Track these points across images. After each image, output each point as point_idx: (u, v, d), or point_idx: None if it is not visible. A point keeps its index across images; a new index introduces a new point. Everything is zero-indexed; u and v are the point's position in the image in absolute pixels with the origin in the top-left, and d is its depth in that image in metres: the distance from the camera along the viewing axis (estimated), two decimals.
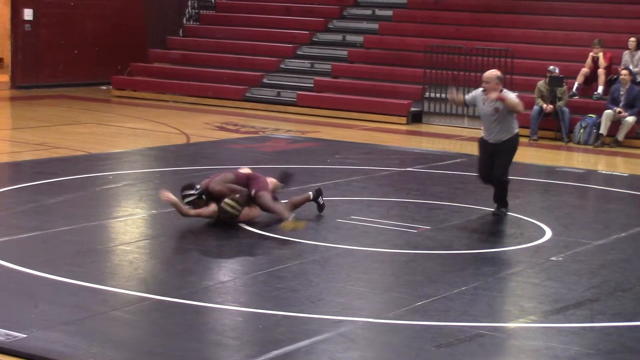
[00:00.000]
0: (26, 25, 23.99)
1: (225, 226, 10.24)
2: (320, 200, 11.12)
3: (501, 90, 11.09)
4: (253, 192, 10.38)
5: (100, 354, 6.60)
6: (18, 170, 13.67)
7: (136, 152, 15.59)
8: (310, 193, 11.11)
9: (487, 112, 11.14)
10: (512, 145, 11.21)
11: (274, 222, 10.54)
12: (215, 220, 10.29)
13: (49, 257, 8.97)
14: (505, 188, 11.29)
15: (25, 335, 6.81)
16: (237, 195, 10.21)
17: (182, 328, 7.22)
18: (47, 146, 15.48)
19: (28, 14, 23.98)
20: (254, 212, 10.50)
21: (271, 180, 10.82)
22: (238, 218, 10.32)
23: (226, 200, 10.16)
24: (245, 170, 10.74)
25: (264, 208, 10.43)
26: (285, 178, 11.22)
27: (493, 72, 11.24)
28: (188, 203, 10.28)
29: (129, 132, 18.02)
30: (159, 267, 9.12)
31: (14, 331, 6.85)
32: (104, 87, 24.35)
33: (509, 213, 11.58)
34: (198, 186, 10.31)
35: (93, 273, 8.71)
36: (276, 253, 9.52)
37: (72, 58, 24.75)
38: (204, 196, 10.29)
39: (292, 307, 7.72)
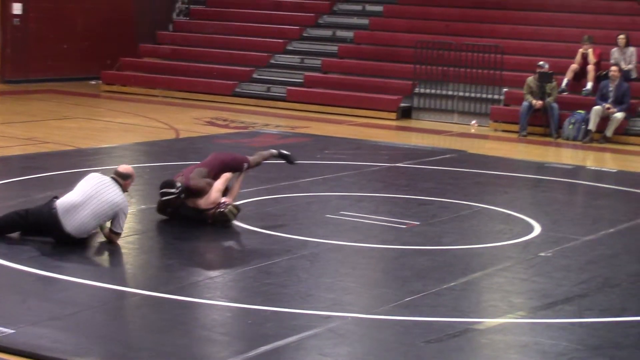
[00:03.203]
0: (15, 19, 23.91)
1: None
2: (285, 153, 11.29)
3: None
4: (245, 167, 10.63)
5: (88, 350, 6.59)
6: (7, 164, 13.61)
7: (125, 147, 15.56)
8: (274, 151, 11.30)
9: None
10: None
11: (264, 217, 10.55)
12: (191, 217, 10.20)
13: (37, 252, 8.94)
14: None
15: (13, 331, 6.79)
16: (232, 205, 10.17)
17: (171, 323, 7.22)
18: (36, 141, 15.43)
19: (17, 8, 23.89)
20: (233, 192, 10.51)
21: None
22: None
23: (229, 208, 10.07)
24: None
25: (259, 163, 10.96)
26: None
27: None
28: (165, 202, 10.17)
29: (118, 127, 17.99)
30: (148, 262, 9.11)
31: (1, 327, 6.82)
32: (94, 82, 24.28)
33: (498, 208, 11.61)
34: (179, 184, 10.09)
35: (82, 268, 8.70)
36: (265, 248, 9.52)
37: (62, 52, 24.68)
38: (182, 195, 10.17)
39: (281, 303, 7.72)
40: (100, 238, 9.31)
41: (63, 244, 9.03)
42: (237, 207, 10.18)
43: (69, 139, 15.79)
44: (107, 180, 9.24)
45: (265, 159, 11.18)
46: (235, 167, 10.58)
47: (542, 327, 7.47)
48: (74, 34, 24.89)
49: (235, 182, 10.55)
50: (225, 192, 10.39)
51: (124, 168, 9.46)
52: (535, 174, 14.63)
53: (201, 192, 10.18)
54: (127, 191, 9.44)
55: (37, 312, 7.30)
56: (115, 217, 9.16)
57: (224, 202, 10.11)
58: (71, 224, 9.01)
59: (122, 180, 9.32)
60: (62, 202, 9.10)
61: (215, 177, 10.35)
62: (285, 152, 11.28)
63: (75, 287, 8.00)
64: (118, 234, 9.21)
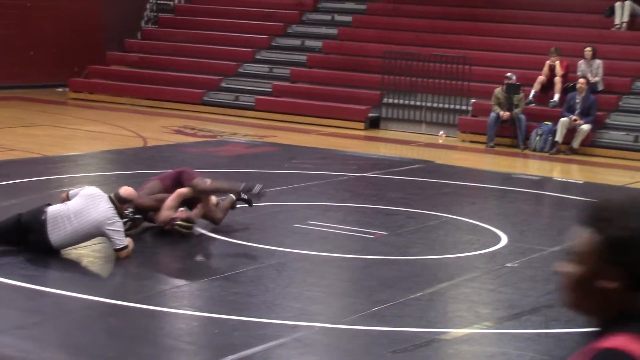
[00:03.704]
0: None
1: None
2: (246, 196, 10.70)
3: None
4: (187, 184, 10.16)
5: (53, 359, 6.54)
6: None
7: (92, 155, 15.48)
8: (233, 197, 10.72)
9: None
10: None
11: (232, 226, 10.52)
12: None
13: (1, 260, 8.86)
14: None
15: None
16: (185, 216, 10.05)
17: (138, 332, 7.18)
18: (2, 148, 15.32)
19: None
20: (206, 207, 10.36)
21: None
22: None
23: (179, 223, 9.99)
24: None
25: (206, 192, 10.11)
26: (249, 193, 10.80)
27: None
28: (126, 229, 10.05)
29: (86, 135, 17.90)
30: (114, 270, 9.05)
31: None
32: (61, 89, 24.15)
33: (465, 219, 11.65)
34: (128, 210, 9.90)
35: (47, 277, 8.64)
36: (232, 258, 9.49)
37: (29, 59, 24.54)
38: (137, 215, 10.05)
39: (248, 312, 7.70)
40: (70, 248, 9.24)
41: (32, 251, 8.92)
42: (188, 220, 10.05)
43: (35, 147, 15.70)
44: (100, 197, 9.07)
45: (225, 192, 10.51)
46: (184, 179, 10.24)
47: (509, 338, 7.49)
48: (41, 41, 24.75)
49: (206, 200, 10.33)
50: (196, 204, 10.25)
51: (125, 191, 9.23)
52: (503, 184, 14.69)
53: (151, 209, 10.12)
54: (122, 213, 9.31)
55: (2, 320, 7.23)
56: (104, 235, 9.04)
57: (174, 218, 10.02)
58: (54, 234, 8.90)
59: (119, 203, 9.16)
60: (53, 209, 9.01)
61: (172, 189, 10.22)
62: (245, 195, 10.67)
63: (41, 296, 7.94)
64: (120, 250, 9.03)
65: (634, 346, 2.38)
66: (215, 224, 10.44)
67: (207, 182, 10.16)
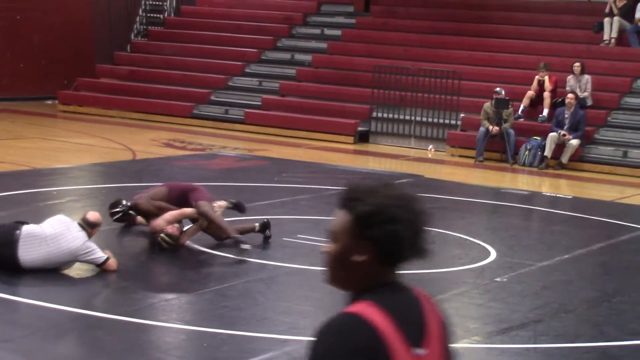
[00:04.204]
0: None
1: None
2: (267, 232, 10.73)
3: None
4: (193, 203, 10.14)
5: None
6: None
7: (81, 168, 15.45)
8: (257, 225, 10.73)
9: None
10: None
11: (220, 240, 10.51)
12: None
13: None
14: None
15: None
16: (171, 231, 10.02)
17: (126, 346, 7.15)
18: None
19: None
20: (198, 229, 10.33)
21: (218, 203, 10.62)
22: (182, 241, 10.19)
23: (162, 235, 9.96)
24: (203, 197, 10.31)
25: (206, 217, 10.03)
26: (239, 208, 10.98)
27: None
28: (116, 220, 10.21)
29: (74, 148, 17.86)
30: (103, 284, 9.03)
31: None
32: (50, 102, 24.10)
33: (454, 233, 11.65)
34: (124, 202, 10.37)
35: (34, 290, 8.60)
36: (222, 271, 9.47)
37: (18, 72, 24.49)
38: (131, 212, 10.23)
39: (238, 326, 7.68)
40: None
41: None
42: (171, 236, 9.97)
43: (24, 159, 15.66)
44: (71, 224, 9.02)
45: (220, 230, 10.20)
46: (192, 197, 10.20)
47: (498, 353, 7.49)
48: (30, 53, 24.71)
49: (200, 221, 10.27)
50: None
51: (92, 216, 9.18)
52: (492, 199, 14.71)
53: (148, 213, 10.15)
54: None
55: None
56: (82, 260, 8.99)
57: (162, 229, 9.99)
58: (24, 253, 8.80)
59: (90, 228, 9.12)
60: (27, 228, 8.91)
61: (176, 201, 10.20)
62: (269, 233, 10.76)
63: (28, 309, 7.91)
64: (102, 264, 8.98)
65: (371, 311, 2.71)
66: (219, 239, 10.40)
67: (212, 210, 10.10)
